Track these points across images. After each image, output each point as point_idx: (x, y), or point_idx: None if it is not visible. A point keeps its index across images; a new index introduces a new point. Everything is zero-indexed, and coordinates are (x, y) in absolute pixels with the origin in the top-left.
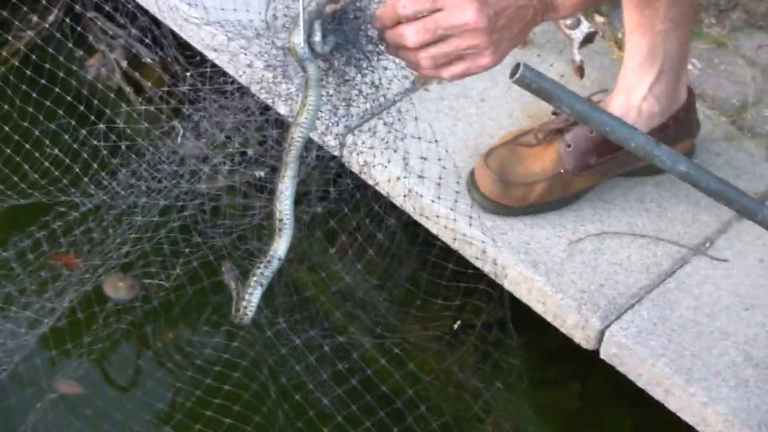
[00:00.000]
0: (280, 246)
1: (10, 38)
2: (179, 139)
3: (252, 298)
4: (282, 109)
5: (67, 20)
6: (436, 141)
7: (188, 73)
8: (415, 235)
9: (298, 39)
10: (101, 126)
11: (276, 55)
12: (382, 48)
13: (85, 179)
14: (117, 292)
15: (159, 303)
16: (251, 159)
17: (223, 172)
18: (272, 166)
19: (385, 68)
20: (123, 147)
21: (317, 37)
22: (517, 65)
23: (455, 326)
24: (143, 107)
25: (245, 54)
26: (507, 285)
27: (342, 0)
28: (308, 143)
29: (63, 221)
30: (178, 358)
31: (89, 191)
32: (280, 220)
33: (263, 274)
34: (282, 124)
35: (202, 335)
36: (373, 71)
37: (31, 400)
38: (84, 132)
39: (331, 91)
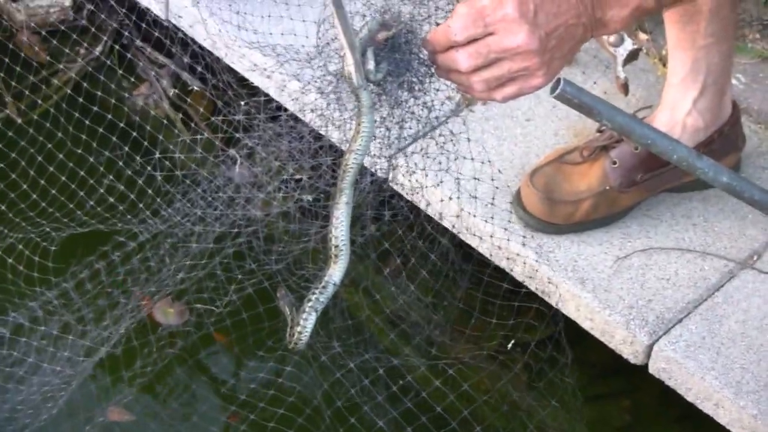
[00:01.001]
0: (335, 272)
1: (61, 66)
2: (236, 168)
3: (307, 323)
4: (334, 135)
5: (116, 49)
6: (489, 161)
7: (242, 102)
8: (468, 255)
9: (352, 69)
10: (156, 154)
11: (329, 81)
12: (433, 70)
13: (140, 205)
14: (166, 318)
15: (214, 328)
16: (305, 185)
17: (277, 199)
18: (324, 191)
19: (437, 90)
20: (179, 175)
21: (370, 65)
22: (558, 80)
23: (509, 346)
24: (198, 136)
25: (298, 80)
26: (555, 302)
27: (393, 27)
28: (362, 169)
29: (121, 251)
30: (232, 382)
31: (146, 219)
32: (336, 246)
33: (318, 299)
34: (334, 150)
35: (256, 360)
36: (425, 93)
37: (84, 427)
38: (139, 159)
39: (384, 114)
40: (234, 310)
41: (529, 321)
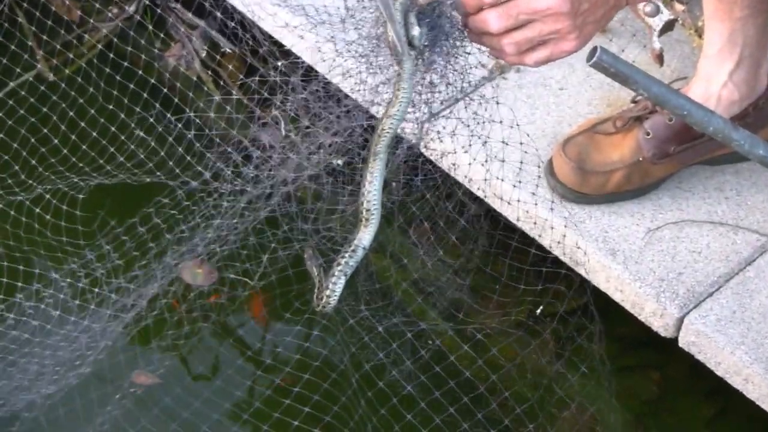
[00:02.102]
0: (365, 236)
1: (92, 23)
2: (282, 130)
3: (335, 287)
4: (368, 99)
5: (149, 8)
6: (518, 125)
7: (279, 63)
8: (495, 221)
9: (398, 33)
10: (187, 113)
11: (366, 47)
12: (466, 34)
13: (170, 163)
14: (195, 279)
15: (245, 294)
16: (338, 148)
17: (311, 161)
18: (358, 153)
19: (468, 53)
20: (213, 136)
21: (416, 31)
22: (594, 48)
23: (537, 311)
24: (235, 96)
25: (333, 43)
26: (585, 273)
27: None
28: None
29: (156, 209)
30: (257, 346)
31: (178, 177)
32: (368, 210)
33: (347, 263)
34: (368, 114)
35: (282, 323)
36: (457, 56)
37: (112, 394)
38: (170, 117)
39: (418, 78)
40: (262, 272)
41: (558, 288)
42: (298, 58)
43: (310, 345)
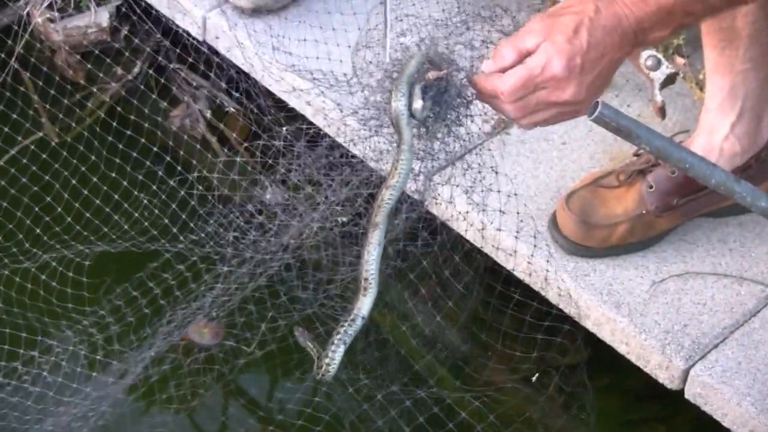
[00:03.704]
0: (365, 305)
1: (103, 87)
2: (267, 194)
3: (335, 355)
4: (372, 164)
5: (151, 72)
6: (513, 178)
7: (284, 128)
8: (497, 273)
9: (400, 105)
10: (191, 176)
11: (371, 115)
12: (472, 97)
13: (174, 230)
14: (202, 338)
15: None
16: (340, 208)
17: (312, 226)
18: (357, 213)
19: (472, 120)
20: (214, 198)
21: (418, 104)
22: (596, 103)
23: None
24: (240, 159)
25: (340, 110)
26: (590, 326)
27: (444, 67)
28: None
29: (158, 279)
30: (261, 413)
31: (182, 242)
32: (366, 279)
33: (347, 332)
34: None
35: (284, 391)
36: (460, 126)
37: None
38: (172, 183)
39: (419, 146)
40: (263, 339)
41: (553, 350)
42: (304, 123)
43: (313, 411)
